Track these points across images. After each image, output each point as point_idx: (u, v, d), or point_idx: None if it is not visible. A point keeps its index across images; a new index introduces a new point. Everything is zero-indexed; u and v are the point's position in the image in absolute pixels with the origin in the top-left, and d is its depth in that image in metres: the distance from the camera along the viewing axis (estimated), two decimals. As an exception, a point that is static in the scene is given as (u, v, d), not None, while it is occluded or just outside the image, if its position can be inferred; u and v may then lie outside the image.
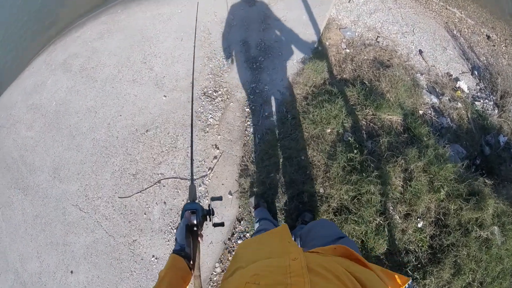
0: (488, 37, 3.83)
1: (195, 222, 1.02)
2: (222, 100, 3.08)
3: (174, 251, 0.97)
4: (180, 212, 1.06)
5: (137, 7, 4.11)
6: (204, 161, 2.78)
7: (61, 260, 2.72)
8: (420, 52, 3.47)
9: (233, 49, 3.41)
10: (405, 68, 3.22)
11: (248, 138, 2.85)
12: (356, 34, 3.50)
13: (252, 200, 2.57)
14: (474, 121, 3.01)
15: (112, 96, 3.38)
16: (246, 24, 3.55)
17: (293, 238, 2.10)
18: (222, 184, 2.69)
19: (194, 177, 2.75)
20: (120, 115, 3.22)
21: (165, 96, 3.20)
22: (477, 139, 2.94)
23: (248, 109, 2.99)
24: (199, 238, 1.06)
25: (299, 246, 1.91)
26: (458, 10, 3.93)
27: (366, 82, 3.03)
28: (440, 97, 3.12)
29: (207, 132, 2.92)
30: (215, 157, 2.79)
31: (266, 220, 2.25)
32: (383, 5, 3.77)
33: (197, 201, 1.17)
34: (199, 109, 3.07)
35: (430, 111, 3.00)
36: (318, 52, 3.23)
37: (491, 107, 3.17)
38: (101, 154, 3.03)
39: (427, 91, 3.12)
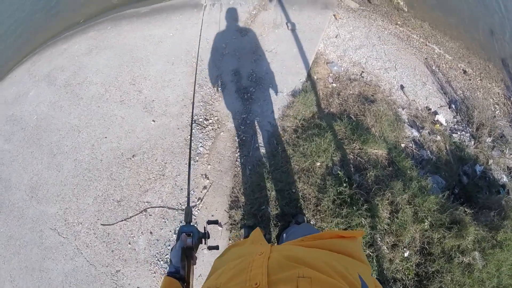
0: (465, 71, 4.02)
1: (191, 244, 1.01)
2: (212, 129, 3.05)
3: (169, 274, 0.95)
4: (176, 235, 1.05)
5: (127, 25, 4.04)
6: (193, 191, 2.71)
7: (37, 287, 2.51)
8: (402, 87, 3.64)
9: (225, 78, 3.40)
10: (388, 103, 3.37)
11: (238, 169, 2.83)
12: (342, 68, 3.63)
13: (243, 231, 2.53)
14: (452, 153, 3.17)
15: (97, 116, 3.25)
16: (238, 54, 3.58)
17: (284, 236, 2.13)
18: (212, 216, 2.62)
19: (183, 207, 2.69)
20: (105, 137, 3.09)
21: (153, 121, 3.12)
22: (455, 170, 3.09)
23: (238, 140, 2.98)
24: (192, 261, 1.04)
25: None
26: (437, 46, 4.14)
27: (353, 117, 3.15)
28: (421, 130, 3.27)
29: (197, 161, 2.88)
30: (204, 187, 2.73)
31: None
32: (368, 41, 3.95)
33: (192, 223, 1.16)
34: (188, 136, 3.03)
35: (411, 144, 3.15)
36: (307, 85, 3.31)
37: (468, 138, 3.34)
38: (83, 177, 2.88)
39: (408, 125, 3.27)
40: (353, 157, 2.86)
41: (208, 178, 2.78)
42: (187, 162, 2.78)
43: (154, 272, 2.47)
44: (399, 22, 4.22)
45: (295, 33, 3.71)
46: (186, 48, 3.69)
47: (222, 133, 3.04)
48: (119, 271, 2.48)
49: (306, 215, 2.59)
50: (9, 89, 3.72)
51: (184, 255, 0.99)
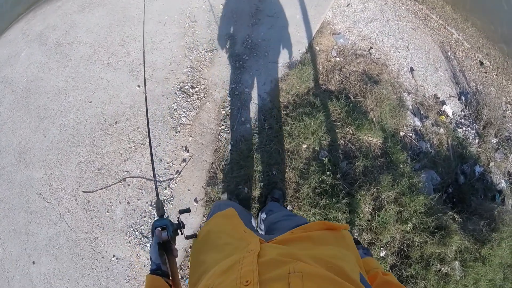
0: (481, 63, 3.56)
1: (167, 238, 0.96)
2: (198, 98, 2.73)
3: (151, 271, 0.90)
4: (150, 227, 1.02)
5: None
6: (172, 163, 2.51)
7: (24, 250, 2.52)
8: (411, 69, 3.17)
9: (218, 42, 3.00)
10: (393, 85, 2.92)
11: (220, 143, 2.56)
12: (349, 42, 3.13)
13: (224, 196, 2.36)
14: (453, 149, 2.82)
15: (84, 79, 2.96)
16: (235, 16, 3.10)
17: (260, 217, 2.00)
18: (189, 190, 2.45)
19: (161, 179, 2.60)
20: (90, 102, 2.83)
21: (138, 86, 2.83)
22: (453, 167, 2.77)
23: (224, 112, 2.66)
24: (173, 254, 1.00)
25: (262, 232, 1.86)
26: (456, 31, 3.62)
27: (351, 97, 2.71)
28: (424, 120, 2.88)
29: (179, 132, 2.62)
30: (184, 160, 2.52)
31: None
32: (382, 15, 3.38)
33: (166, 215, 1.11)
34: (172, 105, 2.71)
35: (411, 134, 2.77)
36: (306, 57, 2.85)
37: (473, 135, 2.97)
38: (67, 142, 2.71)
39: (411, 112, 2.87)
40: (343, 142, 2.52)
41: (188, 151, 2.56)
42: (168, 134, 2.62)
43: (129, 242, 2.37)
44: None
45: None
46: (181, 7, 3.19)
47: (208, 103, 2.73)
48: (97, 238, 2.41)
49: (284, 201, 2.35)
50: (3, 49, 3.45)
51: (162, 250, 0.95)
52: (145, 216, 2.43)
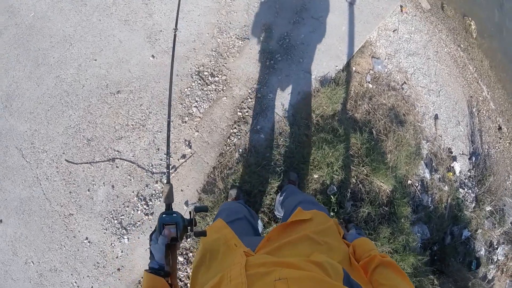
0: (500, 128, 3.36)
1: (175, 235, 0.83)
2: (215, 90, 2.27)
3: (152, 270, 0.78)
4: (156, 223, 0.86)
5: None
6: (171, 157, 2.17)
7: None
8: (436, 117, 2.88)
9: (252, 31, 2.49)
10: (416, 129, 2.62)
11: (228, 148, 2.15)
12: (386, 70, 2.73)
13: (233, 192, 2.03)
14: (450, 208, 2.66)
15: (94, 31, 2.39)
16: (277, 7, 2.56)
17: (278, 199, 1.91)
18: (181, 190, 2.08)
19: (154, 170, 2.31)
20: (95, 60, 2.30)
21: (153, 56, 2.32)
22: (445, 226, 2.61)
23: (240, 113, 2.22)
24: (178, 250, 0.90)
25: (281, 214, 1.83)
26: (487, 88, 3.36)
27: (374, 132, 2.36)
28: (433, 173, 2.66)
29: (185, 122, 2.19)
30: (183, 156, 2.13)
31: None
32: (424, 52, 2.98)
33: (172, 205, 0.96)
34: (185, 89, 2.24)
35: (417, 184, 2.54)
36: (341, 76, 2.42)
37: (471, 199, 2.81)
38: (60, 100, 2.24)
39: (424, 162, 2.62)
40: (355, 181, 2.19)
41: (190, 147, 2.16)
42: (173, 121, 2.11)
43: (106, 229, 2.04)
44: (462, 45, 3.32)
45: (352, 8, 2.61)
46: None
47: (225, 98, 2.27)
48: (72, 214, 2.07)
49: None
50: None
51: (168, 251, 0.83)
52: (128, 206, 2.13)
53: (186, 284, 2.09)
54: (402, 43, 2.91)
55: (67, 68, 2.38)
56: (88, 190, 2.15)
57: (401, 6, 2.97)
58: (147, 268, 0.79)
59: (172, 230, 0.83)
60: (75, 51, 2.42)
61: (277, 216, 2.04)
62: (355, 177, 2.16)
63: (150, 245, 0.83)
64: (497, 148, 3.24)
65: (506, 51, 3.62)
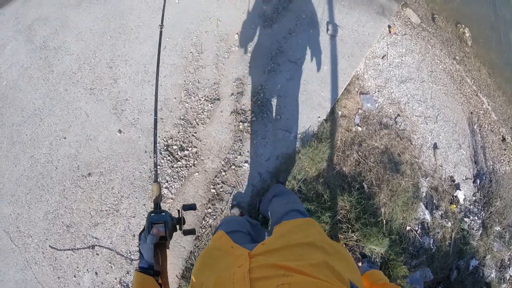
0: (504, 139, 3.01)
1: (164, 234, 0.83)
2: (186, 166, 1.94)
3: (142, 269, 0.78)
4: (145, 223, 0.86)
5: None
6: None
7: None
8: (435, 146, 2.49)
9: (222, 89, 2.13)
10: (413, 168, 2.27)
11: (203, 231, 1.87)
12: (376, 105, 2.31)
13: (235, 211, 1.92)
14: (455, 243, 2.35)
15: (62, 104, 2.11)
16: (251, 54, 2.14)
17: (269, 197, 1.72)
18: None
19: (133, 257, 2.23)
20: (65, 138, 2.03)
21: (120, 131, 2.03)
22: (449, 262, 2.31)
23: (214, 190, 1.90)
24: (167, 249, 0.89)
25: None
26: (487, 99, 3.02)
27: (365, 186, 1.96)
28: (434, 212, 2.33)
29: None
30: None
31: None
32: (417, 75, 2.53)
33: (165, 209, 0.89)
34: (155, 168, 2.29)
35: (417, 228, 2.19)
36: (325, 129, 2.03)
37: (478, 225, 2.49)
38: (37, 183, 2.06)
39: (423, 204, 2.28)
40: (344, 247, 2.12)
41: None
42: (145, 204, 1.90)
43: None
44: (457, 57, 2.93)
45: (334, 41, 2.15)
46: (189, 27, 2.21)
47: (197, 174, 1.94)
48: None
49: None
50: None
51: (157, 250, 0.82)
52: (113, 292, 2.15)
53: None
54: (393, 69, 2.40)
55: (39, 147, 2.22)
56: (74, 276, 2.09)
57: (389, 27, 2.41)
58: (137, 268, 0.76)
59: (160, 229, 0.81)
60: (45, 127, 2.24)
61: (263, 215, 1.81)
62: (344, 244, 1.95)
63: (139, 244, 0.80)
64: (502, 161, 2.87)
65: (502, 53, 3.32)
